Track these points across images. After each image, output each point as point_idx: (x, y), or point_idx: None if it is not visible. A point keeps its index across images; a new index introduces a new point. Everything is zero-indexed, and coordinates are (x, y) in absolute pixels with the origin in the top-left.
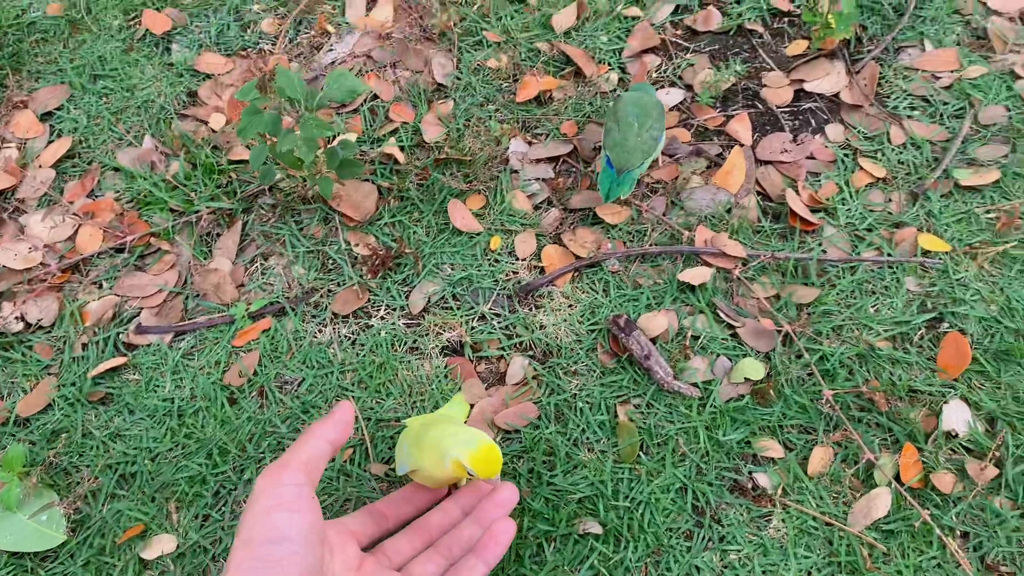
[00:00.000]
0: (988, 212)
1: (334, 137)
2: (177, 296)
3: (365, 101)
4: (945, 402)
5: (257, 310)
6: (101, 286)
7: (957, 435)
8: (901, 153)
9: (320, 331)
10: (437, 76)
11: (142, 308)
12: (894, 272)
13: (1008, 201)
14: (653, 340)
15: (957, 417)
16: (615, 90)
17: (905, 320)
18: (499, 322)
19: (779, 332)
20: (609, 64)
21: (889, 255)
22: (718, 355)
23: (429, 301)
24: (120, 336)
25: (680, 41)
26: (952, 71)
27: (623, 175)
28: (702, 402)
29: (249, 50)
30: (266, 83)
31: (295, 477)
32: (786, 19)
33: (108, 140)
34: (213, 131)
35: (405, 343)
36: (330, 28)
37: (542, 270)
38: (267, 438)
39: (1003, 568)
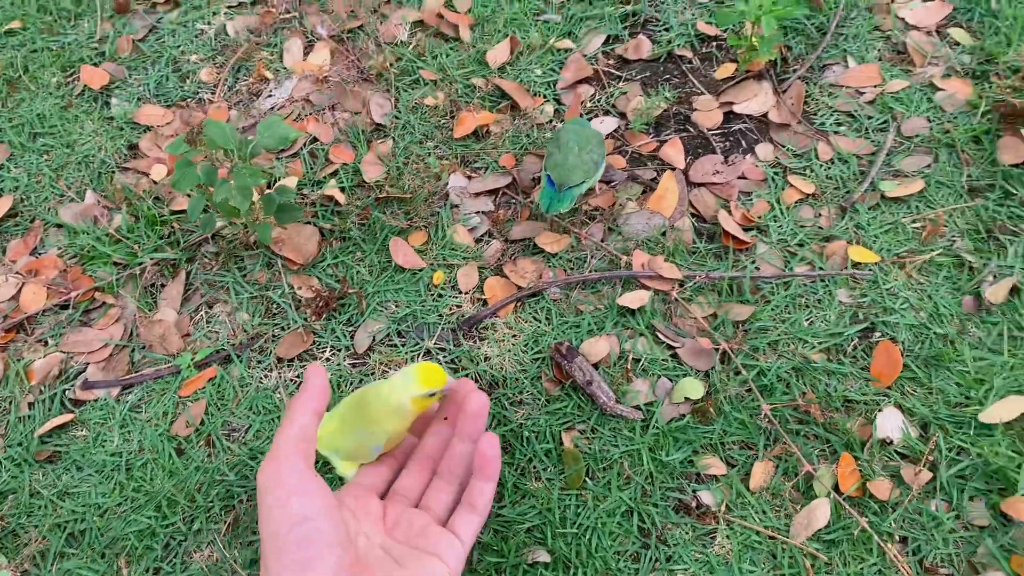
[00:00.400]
0: (914, 222)
1: (274, 182)
2: (123, 349)
3: (305, 144)
4: (879, 410)
5: (203, 359)
6: (46, 343)
7: (892, 442)
8: (829, 168)
9: (266, 376)
10: (375, 116)
11: (88, 363)
12: (826, 285)
13: (932, 210)
14: (595, 365)
15: (891, 424)
16: (551, 121)
17: (838, 332)
18: (445, 356)
19: (717, 350)
20: (544, 96)
21: (821, 269)
22: (659, 376)
23: (374, 340)
24: (67, 393)
25: (612, 70)
26: (875, 86)
27: (563, 191)
28: (645, 424)
29: (189, 100)
30: (195, 136)
31: (293, 464)
32: (714, 43)
33: (50, 197)
34: (154, 183)
35: (351, 383)
36: (268, 74)
37: (485, 302)
38: (216, 487)
39: (941, 570)
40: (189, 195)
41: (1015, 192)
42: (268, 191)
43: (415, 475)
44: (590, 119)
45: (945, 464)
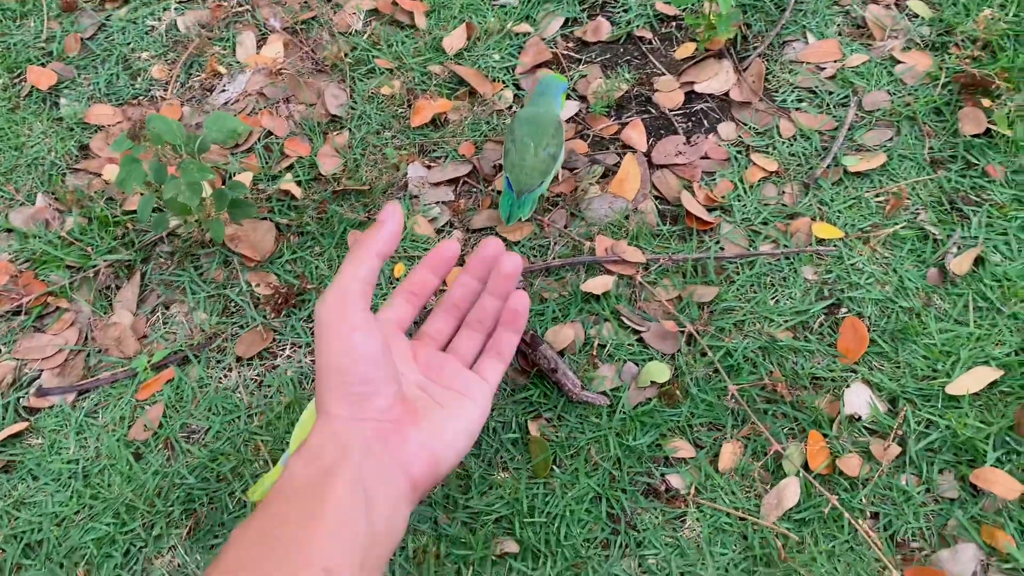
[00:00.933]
0: (877, 196)
1: (230, 178)
2: (78, 354)
3: (259, 139)
4: (847, 386)
5: (159, 361)
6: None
7: (860, 418)
8: (791, 145)
9: (225, 376)
10: (331, 108)
11: (42, 370)
12: (791, 263)
13: (895, 183)
14: (561, 353)
15: (859, 400)
16: (511, 107)
17: (804, 309)
18: None
19: (683, 333)
20: (503, 82)
21: (785, 246)
22: (625, 361)
23: None
24: (20, 401)
25: (572, 53)
26: (835, 61)
27: (523, 196)
28: (611, 409)
29: (140, 98)
30: (138, 132)
31: (357, 303)
32: (673, 23)
33: None
34: (107, 183)
35: (312, 380)
36: (221, 69)
37: None
38: (175, 491)
39: (913, 544)
40: (142, 194)
41: (977, 162)
42: (220, 187)
43: (443, 320)
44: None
45: (914, 438)
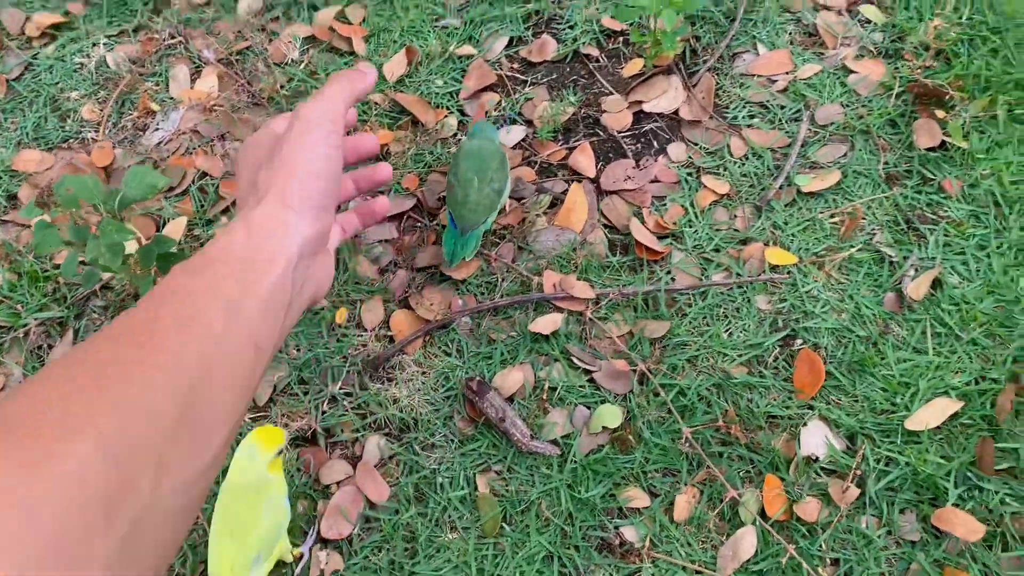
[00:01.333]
0: (832, 216)
1: (163, 224)
2: None
3: (194, 180)
4: (804, 424)
5: None
6: None
7: (817, 459)
8: (743, 165)
9: None
10: None
11: None
12: (744, 292)
13: (850, 202)
14: (510, 398)
15: (815, 439)
16: (455, 135)
17: (758, 342)
18: (350, 402)
19: (635, 372)
20: (447, 108)
21: (738, 275)
22: (576, 405)
23: (275, 389)
24: None
25: (517, 75)
26: (787, 72)
27: (467, 233)
28: (563, 459)
29: (71, 141)
30: (46, 200)
31: (340, 123)
32: (620, 39)
33: None
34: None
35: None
36: (154, 106)
37: (392, 339)
38: None
39: None
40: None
41: (933, 177)
42: (147, 242)
43: None
44: (497, 127)
45: (873, 477)
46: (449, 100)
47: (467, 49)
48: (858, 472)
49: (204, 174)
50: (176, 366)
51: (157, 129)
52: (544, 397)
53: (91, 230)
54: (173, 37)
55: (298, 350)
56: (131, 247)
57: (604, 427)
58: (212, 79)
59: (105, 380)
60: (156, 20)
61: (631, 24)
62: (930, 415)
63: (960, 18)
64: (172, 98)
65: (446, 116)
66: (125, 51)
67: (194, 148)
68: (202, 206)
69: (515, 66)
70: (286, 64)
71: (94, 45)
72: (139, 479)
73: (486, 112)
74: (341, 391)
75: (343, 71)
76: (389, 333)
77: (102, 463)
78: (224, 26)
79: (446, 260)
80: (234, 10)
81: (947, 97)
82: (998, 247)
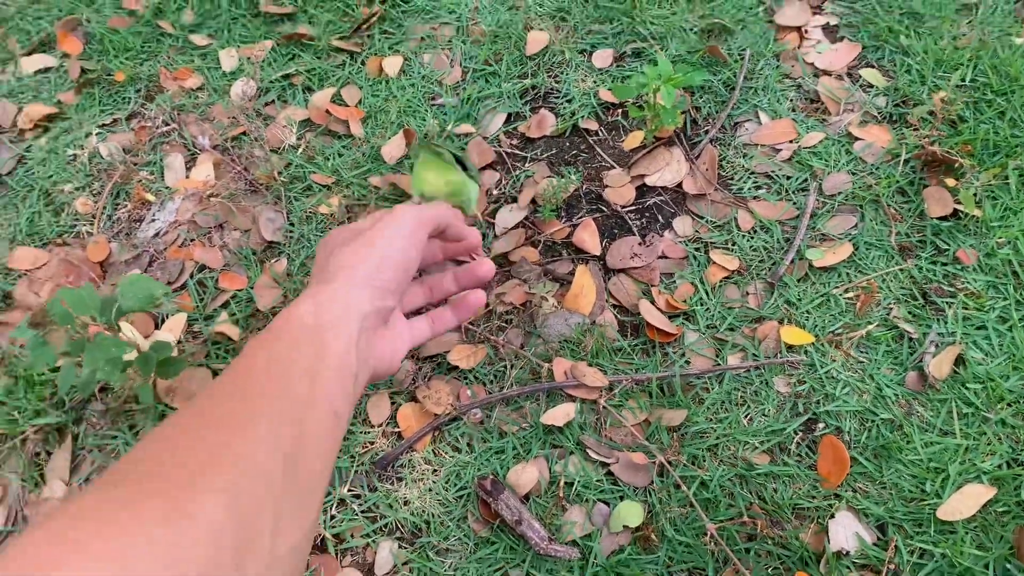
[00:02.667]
0: (846, 291)
1: (162, 321)
2: (9, 536)
3: (192, 275)
4: (831, 516)
5: None
6: None
7: (848, 553)
8: (752, 239)
9: None
10: (266, 234)
11: None
12: (761, 375)
13: (864, 275)
14: (525, 497)
15: (845, 532)
16: None
17: (779, 428)
18: (360, 505)
19: (654, 463)
20: None
21: (754, 356)
22: (595, 502)
23: None
24: None
25: (516, 151)
26: (791, 141)
27: None
28: (583, 562)
29: (66, 236)
30: (42, 320)
31: (428, 231)
32: (619, 111)
33: None
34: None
35: None
36: (149, 197)
37: (399, 435)
38: None
39: None
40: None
41: (947, 247)
42: (145, 352)
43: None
44: (496, 209)
45: (908, 571)
46: None
47: (465, 128)
48: (891, 566)
49: (203, 267)
50: (277, 430)
51: (153, 220)
52: (560, 494)
53: (88, 339)
54: (167, 124)
55: None
56: (129, 354)
57: (625, 526)
58: (208, 167)
59: (219, 443)
60: (149, 107)
61: (629, 100)
62: (963, 504)
63: (963, 80)
64: (168, 187)
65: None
66: (118, 140)
67: (191, 239)
68: (201, 300)
69: (514, 142)
70: (283, 150)
71: (87, 135)
72: (260, 538)
73: (487, 191)
74: (350, 494)
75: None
76: (396, 429)
77: (230, 521)
78: (218, 111)
79: None
80: (227, 94)
81: (956, 164)
82: (1020, 319)
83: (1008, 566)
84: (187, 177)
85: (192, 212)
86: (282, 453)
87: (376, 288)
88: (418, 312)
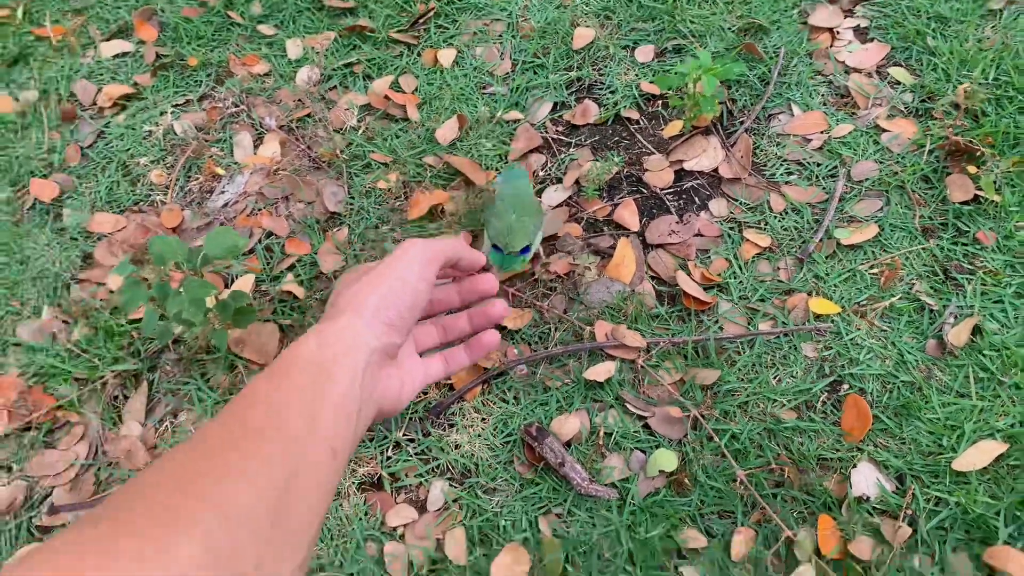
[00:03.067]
0: (871, 268)
1: (231, 281)
2: (89, 468)
3: (260, 240)
4: (853, 466)
5: None
6: (10, 469)
7: (868, 499)
8: (783, 220)
9: None
10: (329, 205)
11: (53, 487)
12: (790, 341)
13: (888, 254)
14: (567, 444)
15: (866, 480)
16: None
17: (806, 388)
18: (414, 448)
19: (688, 417)
20: (496, 169)
21: (784, 324)
22: (632, 450)
23: None
24: (33, 520)
25: (562, 137)
26: (821, 132)
27: (515, 255)
28: (621, 502)
29: (141, 204)
30: (142, 256)
31: (438, 266)
32: (659, 102)
33: (5, 316)
34: (111, 292)
35: None
36: (220, 171)
37: (451, 387)
38: None
39: None
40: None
41: (967, 229)
42: (222, 297)
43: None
44: (542, 189)
45: (924, 517)
46: (498, 161)
47: (514, 114)
48: (909, 512)
49: (270, 234)
50: (267, 471)
51: (223, 192)
52: (600, 443)
53: (172, 285)
54: (236, 106)
55: None
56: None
57: (660, 471)
58: (274, 145)
59: (204, 483)
60: (219, 90)
61: (670, 90)
62: (977, 457)
63: (987, 78)
64: (236, 163)
65: (495, 177)
66: (191, 119)
67: (259, 209)
68: (268, 263)
69: (560, 129)
70: (344, 130)
71: (162, 114)
72: None
73: (533, 172)
74: (404, 437)
75: (460, 240)
76: (448, 382)
77: (208, 560)
78: (284, 95)
79: (496, 267)
80: (293, 80)
81: (978, 153)
82: None
83: (1018, 514)
84: (255, 154)
85: (260, 185)
86: (272, 493)
87: (383, 324)
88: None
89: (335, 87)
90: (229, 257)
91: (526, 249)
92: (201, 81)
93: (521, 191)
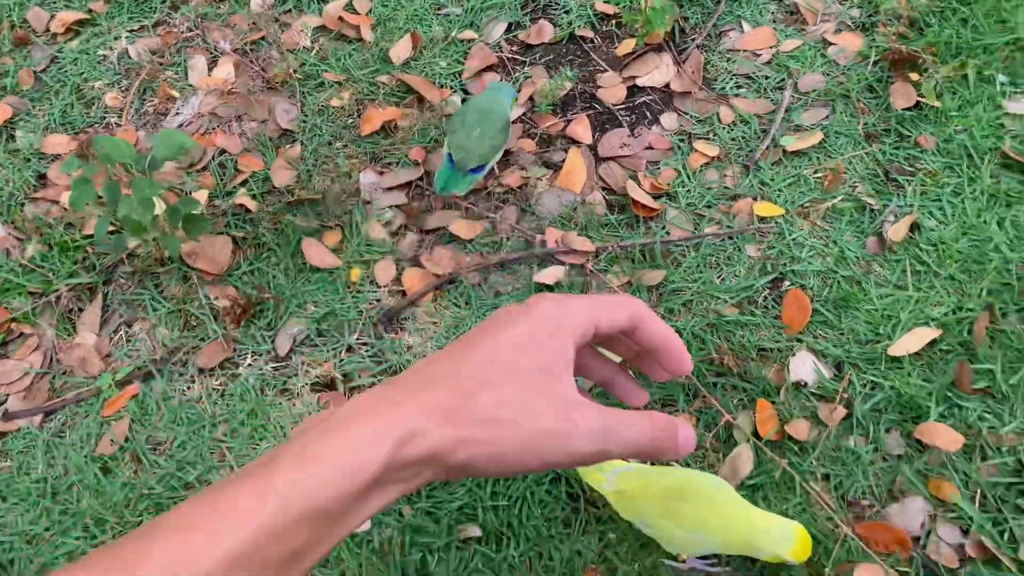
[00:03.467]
0: (816, 172)
1: (187, 195)
2: (43, 377)
3: (214, 157)
4: (792, 355)
5: (124, 378)
6: None
7: (806, 384)
8: (732, 131)
9: (189, 388)
10: (282, 123)
11: (8, 394)
12: (734, 242)
13: (832, 159)
14: None
15: (804, 367)
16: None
17: (748, 285)
18: (367, 351)
19: None
20: (451, 87)
21: (728, 227)
22: None
23: (295, 341)
24: None
25: (517, 56)
26: (770, 47)
27: (462, 175)
28: None
29: (96, 126)
30: (86, 151)
31: (575, 337)
32: (613, 21)
33: None
34: (65, 210)
35: (275, 386)
36: (174, 93)
37: (404, 294)
38: (144, 501)
39: (863, 502)
40: (99, 216)
41: (909, 134)
42: (174, 204)
43: None
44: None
45: (860, 400)
46: (452, 80)
47: (468, 34)
48: (845, 395)
49: (223, 151)
50: None
51: (178, 113)
52: None
53: (121, 191)
54: (191, 30)
55: (315, 306)
56: (158, 210)
57: None
58: (228, 67)
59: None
60: (174, 15)
61: (622, 6)
62: (911, 343)
63: None
64: (191, 85)
65: (450, 94)
66: (146, 44)
67: (213, 128)
68: (222, 179)
69: (514, 48)
70: (298, 51)
71: (116, 39)
72: None
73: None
74: (357, 341)
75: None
76: (401, 288)
77: None
78: (239, 19)
79: (436, 188)
80: (248, 4)
81: (920, 61)
82: (971, 193)
83: (948, 394)
84: (209, 76)
85: (214, 106)
86: None
87: (470, 421)
88: None
89: (290, 10)
90: (178, 157)
91: (479, 169)
92: (156, 7)
93: (496, 108)
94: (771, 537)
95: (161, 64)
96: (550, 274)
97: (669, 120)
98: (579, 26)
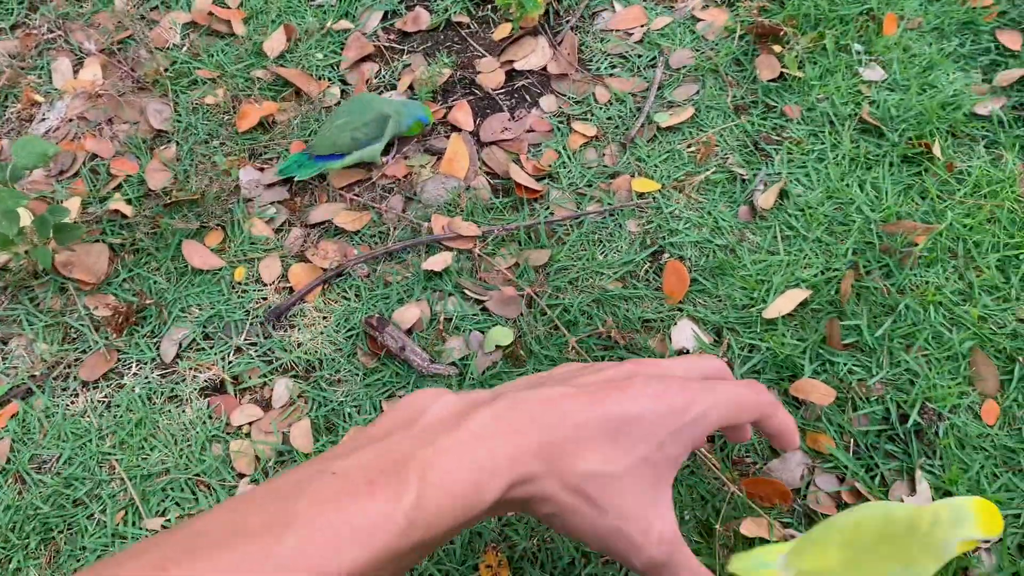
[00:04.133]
0: (689, 147)
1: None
2: None
3: (85, 163)
4: (674, 324)
5: (1, 396)
6: None
7: (688, 351)
8: (608, 110)
9: (72, 402)
10: (155, 123)
11: None
12: (615, 219)
13: (704, 133)
14: (409, 331)
15: (685, 335)
16: (338, 102)
17: (630, 259)
18: (256, 351)
19: (522, 296)
20: (329, 79)
21: (609, 204)
22: (470, 331)
23: (180, 347)
24: None
25: (394, 45)
26: (641, 26)
27: (311, 161)
28: (461, 378)
29: None
30: None
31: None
32: (488, 7)
33: None
34: None
35: (162, 394)
36: (38, 98)
37: (291, 290)
38: (30, 522)
39: (747, 459)
40: None
41: (775, 105)
42: (42, 214)
43: None
44: (380, 94)
45: (739, 362)
46: (331, 72)
47: (344, 24)
48: (725, 359)
49: (95, 156)
50: None
51: (44, 119)
52: (441, 328)
53: None
54: (52, 32)
55: (199, 309)
56: (25, 220)
57: (497, 346)
58: (95, 68)
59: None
60: (33, 17)
61: None
62: (783, 304)
63: None
64: (56, 89)
65: (328, 86)
66: (3, 47)
67: (82, 133)
68: (94, 186)
69: (391, 37)
70: (168, 49)
71: None
72: None
73: (367, 80)
74: (245, 342)
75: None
76: (288, 285)
77: None
78: (103, 18)
79: (277, 168)
80: (112, 2)
81: (782, 34)
82: (834, 158)
83: (820, 351)
84: (75, 79)
85: (81, 109)
86: None
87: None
88: None
89: (156, 7)
90: (40, 165)
91: (331, 157)
92: (12, 9)
93: (380, 107)
94: (943, 525)
95: (22, 68)
96: (439, 260)
97: (548, 102)
98: (455, 12)
